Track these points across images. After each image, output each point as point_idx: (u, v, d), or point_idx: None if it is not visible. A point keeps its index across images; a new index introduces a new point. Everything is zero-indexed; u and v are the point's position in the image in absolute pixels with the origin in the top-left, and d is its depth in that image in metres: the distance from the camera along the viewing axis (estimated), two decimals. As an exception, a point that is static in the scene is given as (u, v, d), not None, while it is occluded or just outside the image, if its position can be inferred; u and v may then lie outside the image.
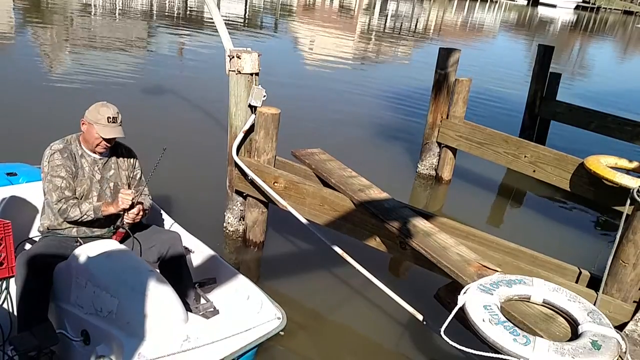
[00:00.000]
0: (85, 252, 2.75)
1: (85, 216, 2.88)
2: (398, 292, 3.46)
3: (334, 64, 13.57)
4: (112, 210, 2.92)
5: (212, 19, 4.62)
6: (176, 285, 2.75)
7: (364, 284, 3.79)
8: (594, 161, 4.99)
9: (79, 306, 2.69)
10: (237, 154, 4.25)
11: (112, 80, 8.96)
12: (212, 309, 3.00)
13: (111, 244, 2.88)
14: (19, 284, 2.67)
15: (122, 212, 2.95)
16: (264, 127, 4.11)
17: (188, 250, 3.38)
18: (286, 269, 4.41)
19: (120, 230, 3.04)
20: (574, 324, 2.72)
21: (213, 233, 4.56)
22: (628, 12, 69.32)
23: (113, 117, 2.89)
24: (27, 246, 2.99)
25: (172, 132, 6.83)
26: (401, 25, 27.79)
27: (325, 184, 4.26)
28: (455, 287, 3.07)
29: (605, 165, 4.96)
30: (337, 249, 3.68)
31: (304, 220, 3.89)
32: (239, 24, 19.06)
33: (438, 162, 6.60)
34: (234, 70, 4.05)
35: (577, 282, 3.43)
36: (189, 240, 3.46)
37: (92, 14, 16.69)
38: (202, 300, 3.06)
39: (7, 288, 2.43)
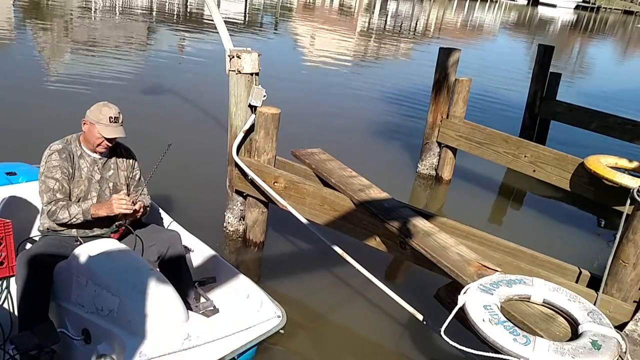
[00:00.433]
0: (85, 251, 2.75)
1: (74, 219, 2.87)
2: (398, 292, 3.46)
3: (334, 64, 13.57)
4: (103, 213, 2.89)
5: (212, 18, 4.62)
6: (176, 284, 2.75)
7: (364, 284, 3.79)
8: (594, 161, 4.99)
9: (79, 305, 2.69)
10: (237, 154, 4.25)
11: (112, 79, 8.96)
12: (212, 308, 3.01)
13: (112, 243, 2.88)
14: (20, 283, 2.67)
15: (118, 215, 2.95)
16: (264, 127, 4.11)
17: (188, 250, 3.39)
18: (286, 269, 4.41)
19: (122, 228, 3.03)
20: (574, 323, 2.72)
21: (213, 233, 4.56)
22: (628, 12, 69.30)
23: (115, 117, 2.89)
24: (28, 246, 2.99)
25: (172, 131, 6.83)
26: (401, 25, 27.79)
27: (325, 183, 4.26)
28: (455, 287, 3.07)
29: (606, 165, 4.96)
30: (337, 249, 3.68)
31: (304, 220, 3.89)
32: (239, 23, 19.06)
33: (438, 162, 6.60)
34: (234, 70, 4.05)
35: (577, 282, 3.43)
36: (188, 239, 3.47)
37: (92, 13, 16.69)
38: (202, 299, 3.06)
39: (7, 287, 2.44)
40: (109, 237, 3.02)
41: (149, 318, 2.50)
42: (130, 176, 3.18)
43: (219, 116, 7.10)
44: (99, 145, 2.93)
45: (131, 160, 3.19)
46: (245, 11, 23.19)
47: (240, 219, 4.61)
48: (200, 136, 6.92)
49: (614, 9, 70.92)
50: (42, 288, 2.74)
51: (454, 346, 2.65)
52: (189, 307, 2.82)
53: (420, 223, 3.60)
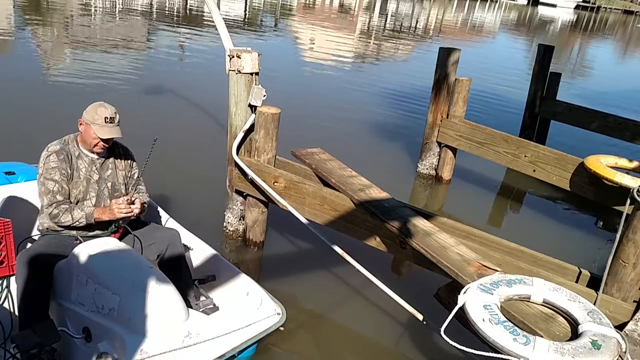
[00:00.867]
0: (85, 250, 2.76)
1: (77, 223, 2.88)
2: (398, 292, 3.45)
3: (334, 64, 13.57)
4: (105, 217, 2.92)
5: (212, 18, 4.62)
6: (176, 283, 2.75)
7: (364, 284, 3.79)
8: (594, 161, 4.98)
9: (80, 304, 2.69)
10: (237, 154, 4.25)
11: (111, 79, 8.96)
12: (211, 306, 3.02)
13: (111, 242, 2.89)
14: (20, 282, 2.68)
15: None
16: (264, 127, 4.11)
17: (187, 248, 3.39)
18: (286, 268, 4.41)
19: (121, 228, 3.03)
20: (574, 323, 2.72)
21: (213, 232, 4.56)
22: (628, 12, 69.33)
23: (110, 118, 2.88)
24: (27, 245, 2.99)
25: (172, 131, 6.83)
26: (401, 24, 27.79)
27: (325, 183, 4.26)
28: (455, 286, 3.07)
29: (605, 165, 4.96)
30: (337, 248, 3.68)
31: (304, 220, 3.89)
32: (239, 23, 19.06)
33: (438, 162, 6.60)
34: (234, 70, 4.05)
35: (577, 281, 3.43)
36: (187, 237, 3.47)
37: (92, 12, 16.68)
38: (202, 297, 3.08)
39: (7, 286, 2.45)
40: (109, 236, 3.02)
41: (150, 316, 2.51)
42: (129, 176, 3.18)
43: (219, 116, 7.10)
44: (95, 145, 2.93)
45: (129, 160, 3.19)
46: (245, 11, 23.19)
47: (240, 219, 4.61)
48: (200, 136, 6.92)
49: (614, 8, 70.94)
50: (42, 287, 2.74)
51: (454, 346, 2.65)
52: (189, 305, 2.83)
53: (420, 223, 3.60)
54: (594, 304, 2.95)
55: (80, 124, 2.93)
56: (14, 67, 9.25)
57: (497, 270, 3.10)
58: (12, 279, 2.59)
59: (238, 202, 4.55)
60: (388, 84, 11.76)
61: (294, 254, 4.65)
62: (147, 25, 15.89)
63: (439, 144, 6.46)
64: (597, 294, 3.16)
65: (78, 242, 2.91)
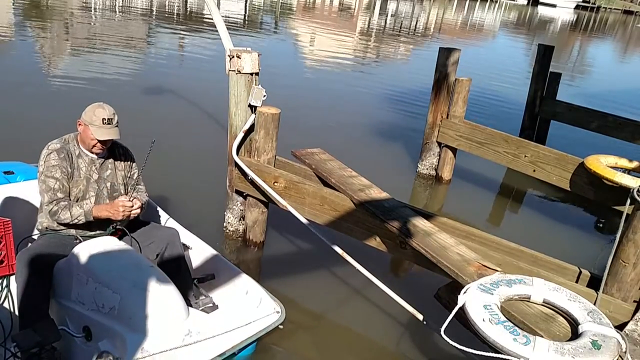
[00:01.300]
0: (85, 249, 2.76)
1: (76, 220, 2.88)
2: (398, 292, 3.45)
3: (334, 64, 13.57)
4: (104, 215, 2.91)
5: (212, 18, 4.62)
6: (175, 282, 2.76)
7: (364, 284, 3.79)
8: (594, 161, 4.98)
9: (80, 303, 2.70)
10: (237, 154, 4.25)
11: (111, 79, 8.96)
12: (211, 305, 3.03)
13: (111, 241, 2.90)
14: (20, 281, 2.68)
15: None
16: (264, 127, 4.11)
17: (186, 247, 3.40)
18: (286, 268, 4.41)
19: (118, 228, 3.03)
20: (574, 323, 2.72)
21: (213, 233, 4.56)
22: (628, 12, 69.34)
23: (108, 119, 2.88)
24: (27, 244, 3.00)
25: (172, 132, 6.83)
26: (401, 24, 27.79)
27: (325, 183, 4.26)
28: (455, 286, 3.07)
29: (606, 164, 4.96)
30: (337, 248, 3.68)
31: (304, 220, 3.89)
32: (239, 23, 19.06)
33: (438, 162, 6.60)
34: (234, 70, 4.05)
35: (577, 281, 3.43)
36: (187, 237, 3.48)
37: (92, 12, 16.68)
38: (202, 296, 3.08)
39: (7, 286, 2.45)
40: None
41: (150, 315, 2.52)
42: (128, 176, 3.18)
43: (219, 116, 7.09)
44: (93, 146, 2.94)
45: (129, 161, 3.20)
46: (245, 11, 23.20)
47: (240, 219, 4.61)
48: (200, 136, 6.92)
49: (614, 8, 70.94)
50: (42, 286, 2.74)
51: (454, 346, 2.65)
52: (188, 303, 2.83)
53: (420, 223, 3.60)
54: (594, 304, 2.95)
55: (79, 124, 2.93)
56: (13, 67, 9.24)
57: (497, 270, 3.10)
58: (12, 278, 2.60)
59: (238, 202, 4.55)
60: (388, 84, 11.76)
61: (294, 254, 4.65)
62: (147, 25, 15.89)
63: (439, 144, 6.46)
64: (597, 294, 3.16)
65: (78, 241, 2.92)
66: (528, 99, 7.90)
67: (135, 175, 3.22)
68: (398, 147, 7.71)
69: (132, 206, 2.91)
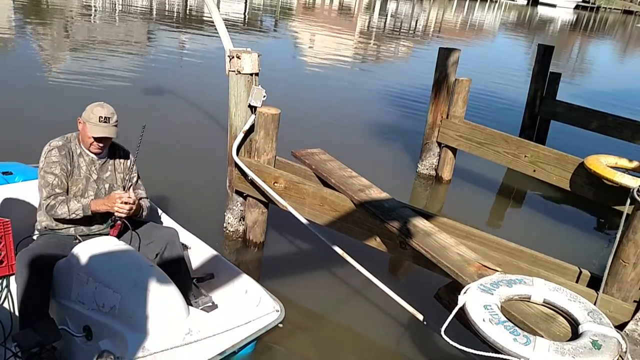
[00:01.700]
0: (85, 248, 2.76)
1: (73, 214, 2.88)
2: (398, 292, 3.45)
3: (334, 64, 13.58)
4: (102, 208, 2.92)
5: (212, 19, 4.63)
6: (175, 281, 2.76)
7: (364, 284, 3.79)
8: (594, 161, 4.98)
9: (80, 302, 2.70)
10: (237, 154, 4.25)
11: (111, 79, 8.95)
12: (211, 304, 3.03)
13: (111, 241, 2.90)
14: (20, 281, 2.68)
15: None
16: (264, 127, 4.11)
17: (186, 247, 3.40)
18: (286, 269, 4.41)
19: (118, 222, 3.02)
20: (574, 323, 2.72)
21: (213, 233, 4.56)
22: (628, 12, 69.37)
23: (105, 117, 2.88)
24: (26, 244, 3.00)
25: (172, 132, 6.84)
26: (401, 24, 27.80)
27: (325, 184, 4.26)
28: (456, 287, 3.07)
29: (606, 164, 4.96)
30: (337, 249, 3.68)
31: (304, 220, 3.89)
32: (239, 24, 19.06)
33: (438, 162, 6.60)
34: (234, 71, 4.05)
35: (577, 281, 3.43)
36: (186, 236, 3.48)
37: (92, 12, 16.68)
38: (201, 295, 3.09)
39: (7, 286, 2.45)
40: (108, 234, 3.03)
41: (151, 314, 2.52)
42: (127, 178, 3.17)
43: (219, 116, 7.10)
44: (91, 145, 2.94)
45: (128, 163, 3.20)
46: (245, 11, 23.20)
47: (240, 219, 4.61)
48: (200, 136, 6.92)
49: (614, 8, 70.97)
50: (42, 286, 2.74)
51: (454, 346, 2.65)
52: (188, 303, 2.83)
53: (420, 223, 3.60)
54: (594, 304, 2.95)
55: (79, 122, 2.95)
56: (13, 67, 9.24)
57: (497, 270, 3.10)
58: (12, 278, 2.60)
59: (238, 203, 4.55)
60: (388, 84, 11.76)
61: (294, 255, 4.64)
62: (147, 26, 15.89)
63: (439, 144, 6.46)
64: (597, 294, 3.16)
65: (77, 241, 2.92)
66: (528, 99, 7.90)
67: (135, 178, 3.22)
68: (398, 147, 7.72)
69: (129, 197, 2.91)
